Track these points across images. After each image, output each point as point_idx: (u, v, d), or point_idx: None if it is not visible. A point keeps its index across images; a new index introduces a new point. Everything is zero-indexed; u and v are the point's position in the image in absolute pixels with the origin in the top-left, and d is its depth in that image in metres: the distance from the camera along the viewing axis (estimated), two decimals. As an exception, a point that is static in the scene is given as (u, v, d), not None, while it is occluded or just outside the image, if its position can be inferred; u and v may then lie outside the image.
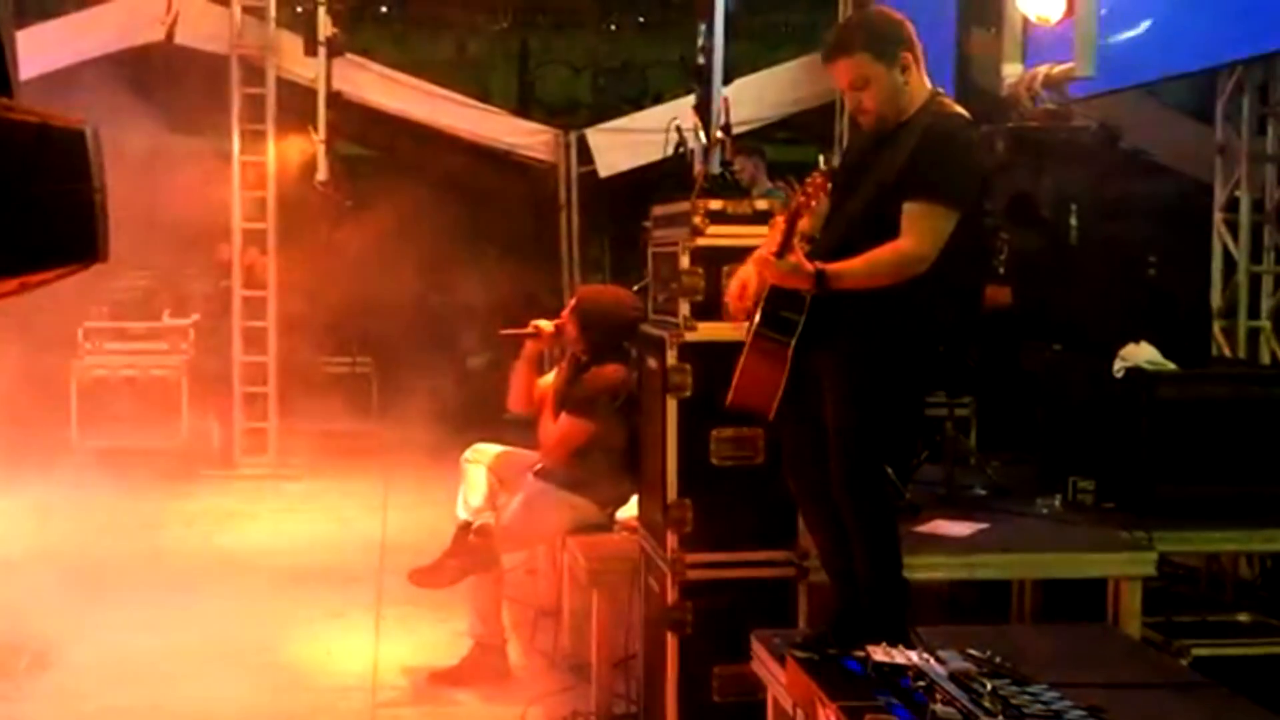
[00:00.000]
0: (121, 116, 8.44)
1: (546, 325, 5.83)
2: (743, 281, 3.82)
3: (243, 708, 5.35)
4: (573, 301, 5.82)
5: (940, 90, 3.77)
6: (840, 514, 3.70)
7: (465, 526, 5.53)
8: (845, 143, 9.71)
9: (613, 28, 15.20)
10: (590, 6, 14.50)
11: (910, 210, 3.55)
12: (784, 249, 3.53)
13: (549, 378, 6.00)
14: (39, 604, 6.61)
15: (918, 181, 3.56)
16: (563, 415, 5.58)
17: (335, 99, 10.18)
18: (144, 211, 8.33)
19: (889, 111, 3.70)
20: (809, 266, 3.52)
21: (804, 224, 3.62)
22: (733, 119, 5.20)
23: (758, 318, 3.67)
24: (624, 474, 5.28)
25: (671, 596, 4.40)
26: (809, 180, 3.54)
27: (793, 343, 3.61)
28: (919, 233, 3.54)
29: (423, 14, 13.76)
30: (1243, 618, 5.48)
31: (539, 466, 5.69)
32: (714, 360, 4.19)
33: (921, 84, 3.71)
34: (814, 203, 3.55)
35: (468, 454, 5.81)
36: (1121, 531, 4.76)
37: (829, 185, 3.50)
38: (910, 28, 3.73)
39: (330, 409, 10.93)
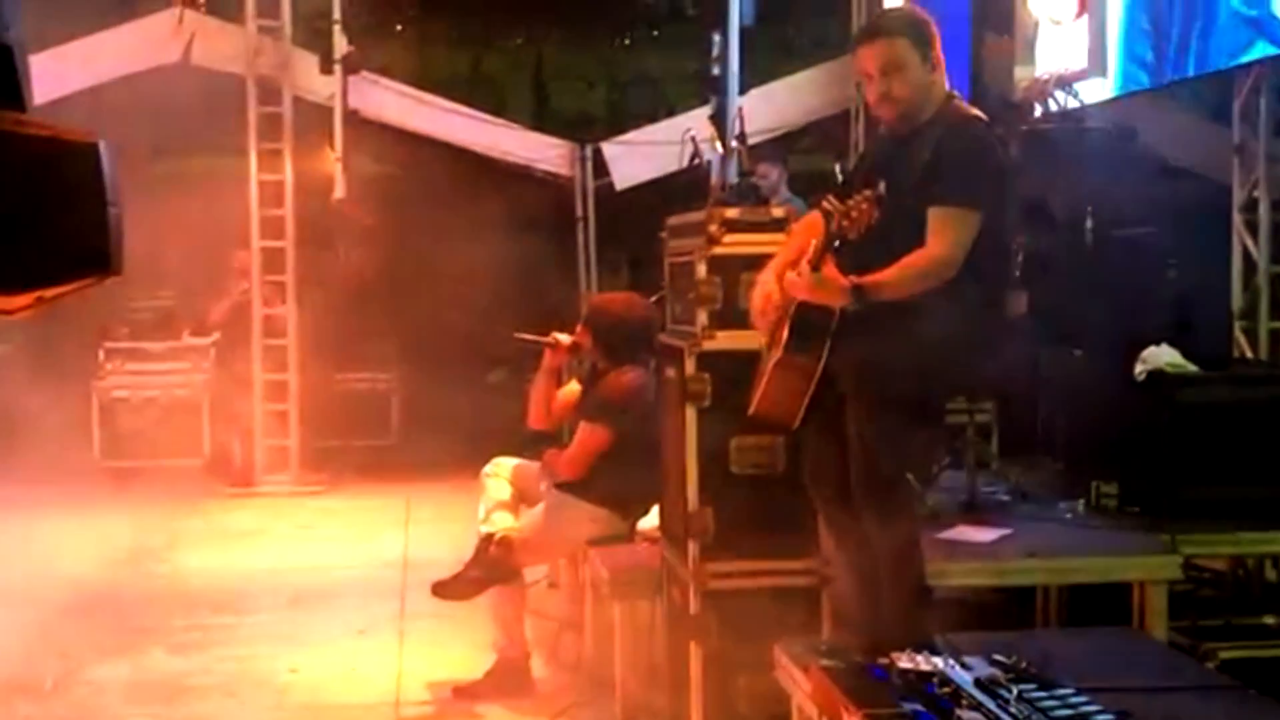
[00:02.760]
0: (139, 137, 8.47)
1: (564, 338, 5.82)
2: (766, 292, 3.82)
3: (267, 725, 5.36)
4: (585, 314, 5.81)
5: (955, 93, 3.78)
6: (862, 521, 3.69)
7: (487, 539, 5.52)
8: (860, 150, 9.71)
9: (626, 41, 15.22)
10: (604, 20, 14.51)
11: (936, 216, 3.54)
12: (817, 263, 3.52)
13: (569, 388, 6.00)
14: (63, 623, 6.64)
15: (941, 187, 3.56)
16: (581, 423, 5.58)
17: (352, 117, 10.21)
18: (164, 232, 8.36)
19: (913, 104, 3.72)
20: (845, 281, 3.51)
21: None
22: (748, 128, 5.20)
23: (784, 336, 3.66)
24: (644, 483, 5.27)
25: (694, 606, 4.39)
26: (854, 203, 3.50)
27: (821, 361, 3.60)
28: (947, 238, 3.54)
29: (437, 31, 13.80)
30: (1269, 620, 5.44)
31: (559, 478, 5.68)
32: (733, 369, 4.18)
33: (942, 88, 3.74)
34: (861, 227, 3.50)
35: (488, 468, 5.81)
36: (1145, 535, 4.73)
37: (875, 213, 3.48)
38: (935, 29, 3.77)
39: (351, 425, 10.95)
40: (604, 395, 5.57)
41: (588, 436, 5.54)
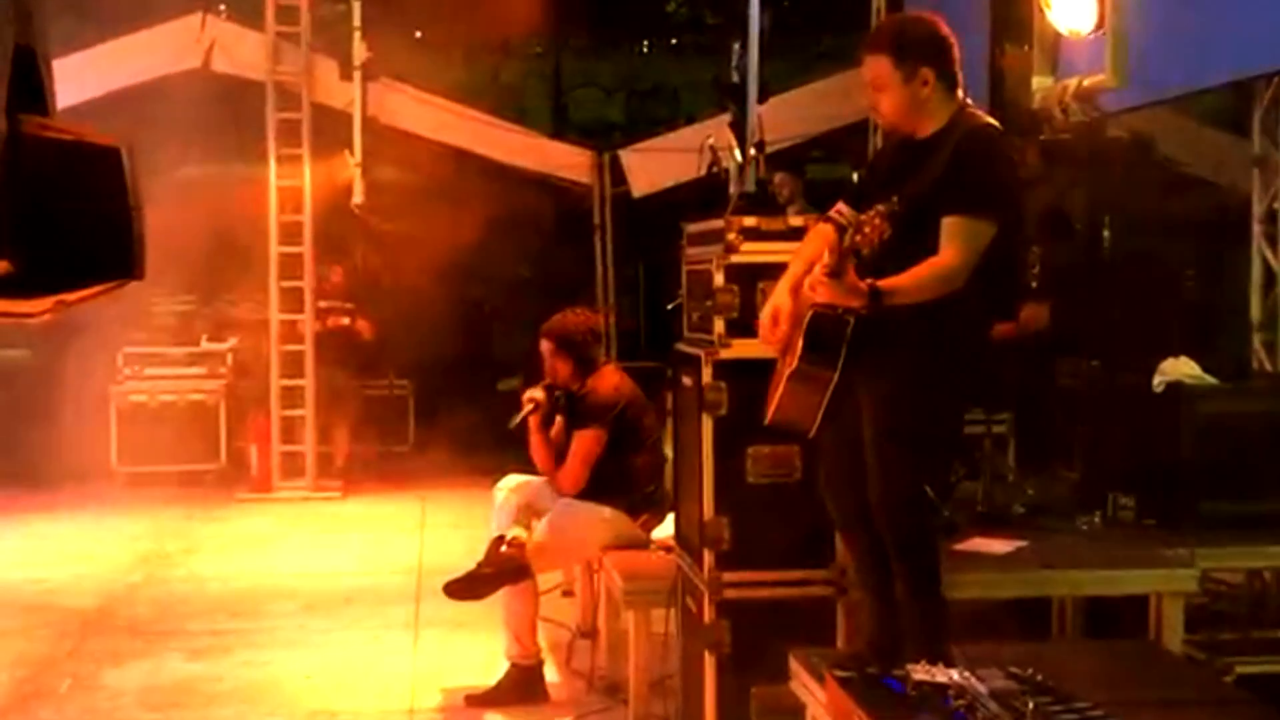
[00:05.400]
0: (159, 142, 8.50)
1: (539, 392, 5.86)
2: (774, 309, 3.80)
3: (281, 730, 5.37)
4: (548, 344, 5.82)
5: (969, 102, 3.76)
6: (878, 532, 3.68)
7: (499, 540, 5.55)
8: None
9: (645, 49, 15.24)
10: (623, 29, 14.53)
11: (950, 224, 3.54)
12: (836, 270, 3.52)
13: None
14: (79, 627, 6.66)
15: (955, 196, 3.55)
16: (574, 434, 5.67)
17: (370, 123, 10.24)
18: (183, 236, 8.39)
19: (900, 121, 3.72)
20: (863, 285, 3.51)
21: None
22: (767, 137, 5.19)
23: (799, 347, 3.65)
24: (648, 479, 5.31)
25: (709, 616, 4.38)
26: (867, 218, 3.49)
27: (836, 374, 3.60)
28: (960, 246, 3.54)
29: (457, 39, 13.82)
30: (1286, 634, 5.42)
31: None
32: (750, 378, 4.16)
33: (948, 100, 3.69)
34: (873, 243, 3.50)
35: (500, 484, 5.84)
36: (1162, 548, 4.71)
37: (887, 229, 3.48)
38: (944, 43, 3.70)
39: (367, 432, 10.97)
40: (590, 402, 5.69)
41: (581, 444, 5.64)
